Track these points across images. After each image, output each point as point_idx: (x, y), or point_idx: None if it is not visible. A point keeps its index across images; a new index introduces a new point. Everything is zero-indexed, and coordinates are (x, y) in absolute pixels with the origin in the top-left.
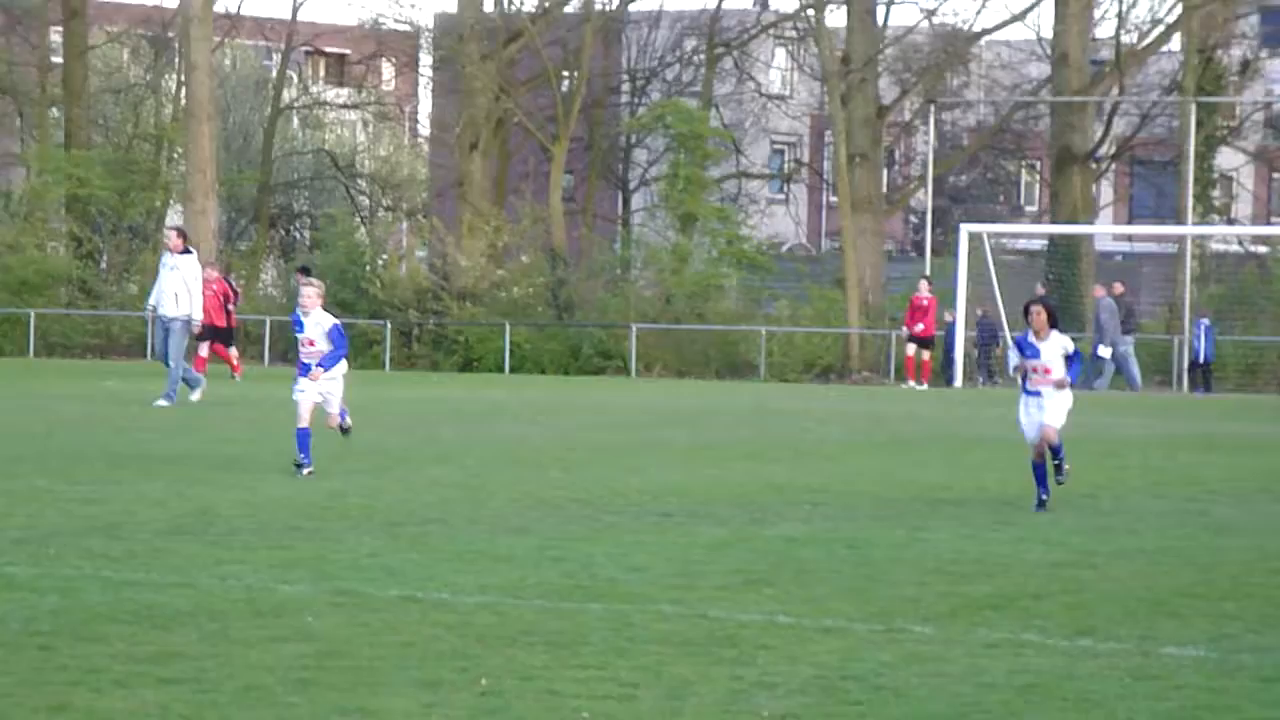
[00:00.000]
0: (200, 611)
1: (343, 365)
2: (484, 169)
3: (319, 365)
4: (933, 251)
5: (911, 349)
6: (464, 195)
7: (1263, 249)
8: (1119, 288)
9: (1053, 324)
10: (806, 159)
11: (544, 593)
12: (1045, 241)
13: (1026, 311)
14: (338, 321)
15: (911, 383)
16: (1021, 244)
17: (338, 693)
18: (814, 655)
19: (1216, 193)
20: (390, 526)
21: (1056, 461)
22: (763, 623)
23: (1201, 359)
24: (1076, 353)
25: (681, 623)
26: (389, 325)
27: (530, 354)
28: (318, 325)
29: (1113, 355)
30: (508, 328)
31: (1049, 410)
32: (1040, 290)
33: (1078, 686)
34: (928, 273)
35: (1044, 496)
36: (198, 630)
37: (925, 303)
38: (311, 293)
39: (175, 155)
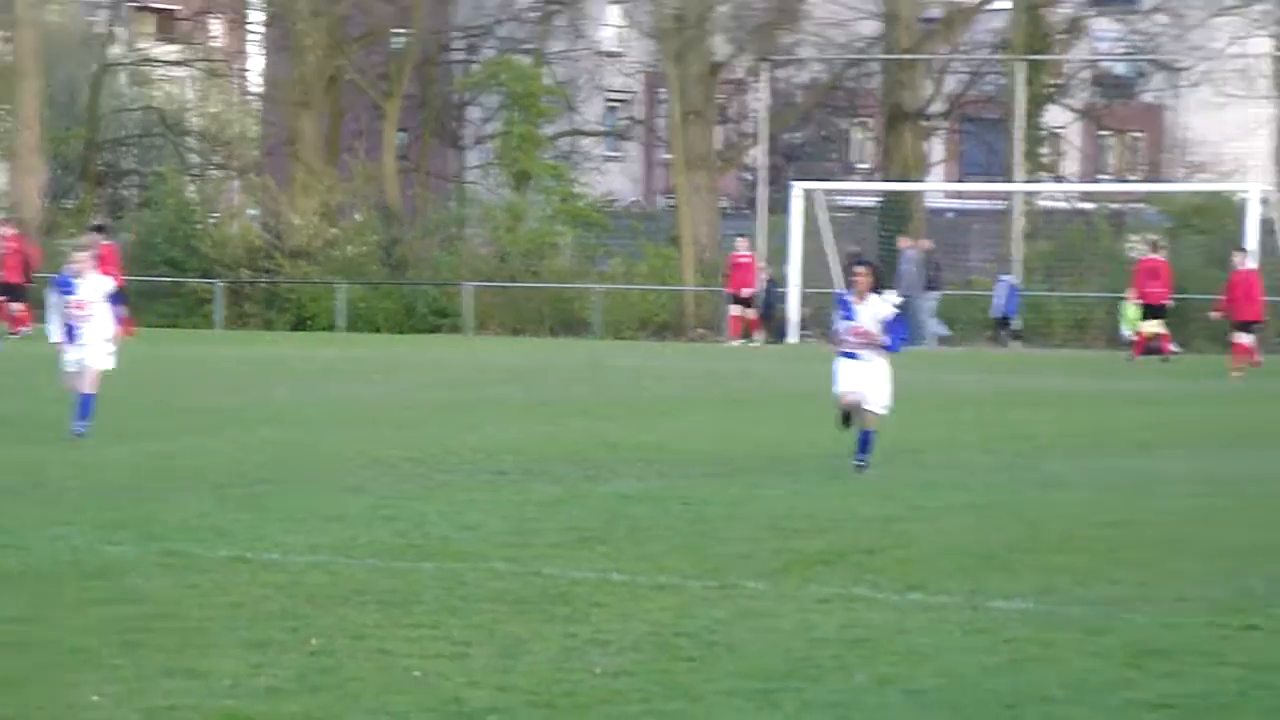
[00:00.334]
0: (28, 573)
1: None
2: (316, 127)
3: (116, 322)
4: (768, 209)
5: (736, 309)
6: (296, 153)
7: (1090, 205)
8: (926, 244)
9: (876, 287)
10: (641, 116)
11: (376, 552)
12: (878, 199)
13: (850, 270)
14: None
15: (735, 341)
16: (854, 201)
17: (165, 654)
18: (647, 612)
19: (1045, 150)
20: (220, 487)
21: (864, 455)
22: (596, 580)
23: (1003, 315)
24: (898, 318)
25: (514, 581)
26: (220, 284)
27: (364, 312)
28: (96, 289)
29: (909, 308)
30: (342, 286)
31: (871, 386)
32: (853, 248)
33: (908, 640)
34: (761, 230)
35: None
36: (24, 592)
37: (744, 261)
38: (86, 256)
39: (1, 112)
